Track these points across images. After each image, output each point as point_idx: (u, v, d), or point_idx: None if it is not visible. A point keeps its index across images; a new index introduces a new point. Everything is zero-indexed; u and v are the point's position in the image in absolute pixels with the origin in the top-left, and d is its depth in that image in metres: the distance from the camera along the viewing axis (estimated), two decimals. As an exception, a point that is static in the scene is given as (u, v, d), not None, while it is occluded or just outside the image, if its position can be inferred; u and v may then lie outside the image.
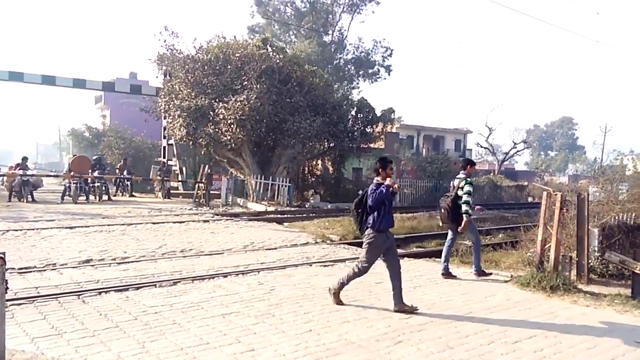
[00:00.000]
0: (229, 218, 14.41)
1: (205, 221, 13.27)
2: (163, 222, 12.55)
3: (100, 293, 5.72)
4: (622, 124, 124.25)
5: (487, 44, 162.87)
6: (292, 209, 18.51)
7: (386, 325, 4.80)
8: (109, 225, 11.69)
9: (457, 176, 7.35)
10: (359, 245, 10.33)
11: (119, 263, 7.56)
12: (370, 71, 44.95)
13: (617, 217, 8.48)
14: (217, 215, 15.22)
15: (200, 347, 4.11)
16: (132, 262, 7.68)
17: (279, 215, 15.84)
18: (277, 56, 21.07)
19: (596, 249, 7.34)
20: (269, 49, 21.29)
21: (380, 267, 7.73)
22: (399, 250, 10.36)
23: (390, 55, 45.05)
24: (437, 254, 9.47)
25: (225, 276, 6.82)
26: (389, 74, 45.40)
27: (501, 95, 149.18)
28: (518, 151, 46.84)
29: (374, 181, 5.44)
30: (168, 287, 6.11)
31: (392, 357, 3.99)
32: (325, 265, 7.83)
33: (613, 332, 4.79)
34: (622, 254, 6.83)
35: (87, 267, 7.25)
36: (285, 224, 13.90)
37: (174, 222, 12.65)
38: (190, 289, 6.06)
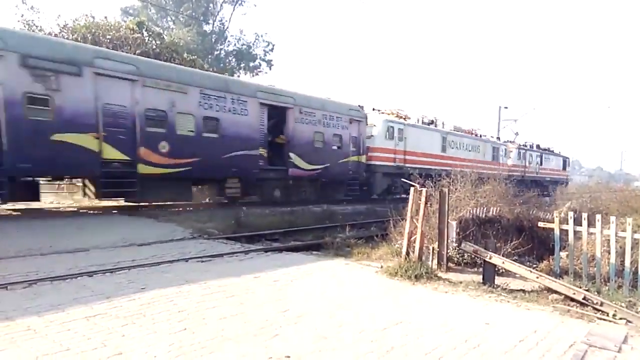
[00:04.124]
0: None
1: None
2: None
3: None
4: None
5: (359, 44, 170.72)
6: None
7: (264, 320, 4.81)
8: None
9: None
10: (237, 239, 10.26)
11: (-42, 264, 6.60)
12: (251, 64, 44.79)
13: (472, 211, 9.47)
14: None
15: (59, 354, 3.74)
16: (-25, 262, 6.76)
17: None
18: (154, 42, 20.01)
19: (454, 240, 8.10)
20: (145, 33, 20.12)
21: (257, 265, 7.75)
22: (277, 245, 10.50)
23: (272, 50, 45.45)
24: (313, 247, 9.76)
25: (91, 275, 6.30)
26: (270, 69, 45.68)
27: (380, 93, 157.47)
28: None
29: None
30: (22, 289, 5.48)
31: (268, 352, 4.01)
32: (202, 261, 7.61)
33: (467, 315, 5.33)
34: (476, 244, 7.62)
35: None
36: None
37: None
38: (49, 290, 5.49)
